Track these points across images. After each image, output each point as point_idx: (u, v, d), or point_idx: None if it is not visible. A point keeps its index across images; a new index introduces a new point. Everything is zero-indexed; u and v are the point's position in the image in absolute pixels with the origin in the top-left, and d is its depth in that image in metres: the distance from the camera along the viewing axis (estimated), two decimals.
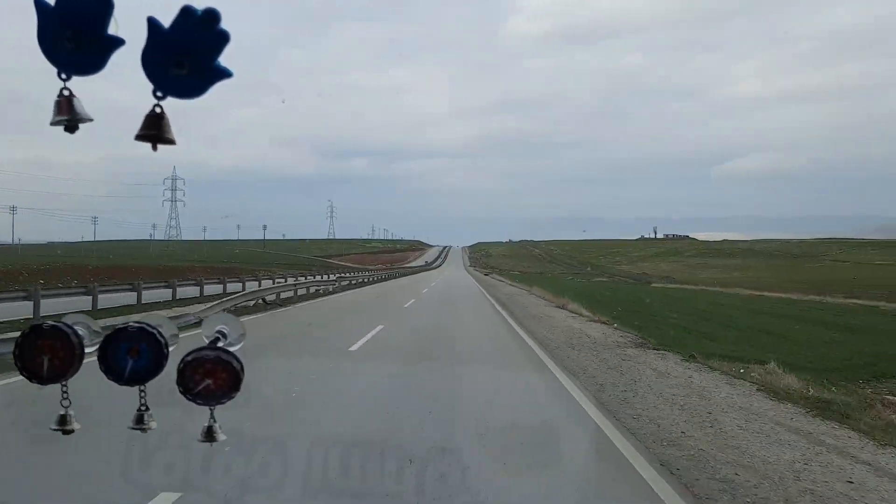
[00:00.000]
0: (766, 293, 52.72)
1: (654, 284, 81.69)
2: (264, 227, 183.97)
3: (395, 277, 62.73)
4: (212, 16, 0.81)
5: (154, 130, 0.85)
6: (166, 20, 0.82)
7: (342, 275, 45.52)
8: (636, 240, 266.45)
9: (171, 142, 0.87)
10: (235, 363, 1.03)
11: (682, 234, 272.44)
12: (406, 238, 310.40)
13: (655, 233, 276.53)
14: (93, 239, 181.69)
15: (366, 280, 48.17)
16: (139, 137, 0.86)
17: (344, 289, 36.52)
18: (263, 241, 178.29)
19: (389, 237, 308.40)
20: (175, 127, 0.87)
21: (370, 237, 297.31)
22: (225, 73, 0.84)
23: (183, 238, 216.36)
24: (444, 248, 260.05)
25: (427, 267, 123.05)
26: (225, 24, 0.82)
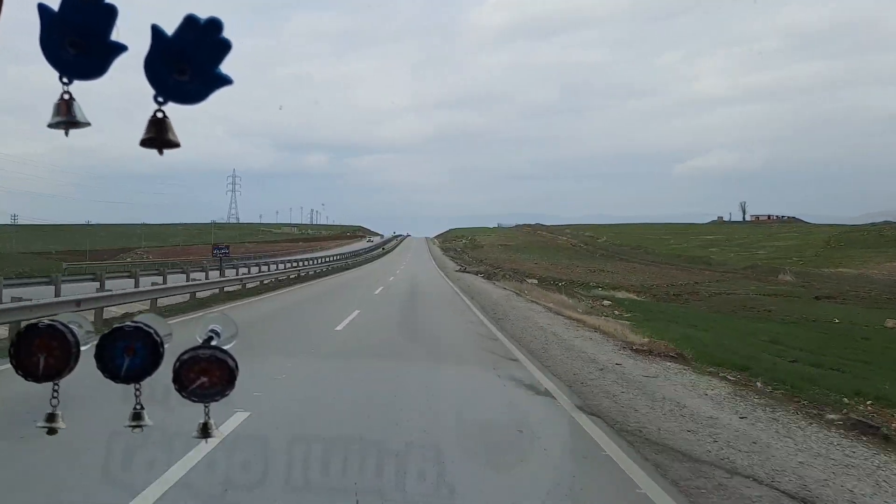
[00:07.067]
0: None
1: None
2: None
3: None
4: (214, 25, 0.82)
5: (157, 135, 0.86)
6: (168, 28, 0.82)
7: None
8: (709, 223, 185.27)
9: (175, 145, 0.87)
10: (230, 361, 1.04)
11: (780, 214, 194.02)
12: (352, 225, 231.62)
13: (744, 212, 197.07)
14: None
15: None
16: (143, 143, 0.86)
17: None
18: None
19: (331, 223, 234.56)
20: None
21: (310, 222, 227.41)
22: (225, 80, 0.85)
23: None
24: (397, 236, 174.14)
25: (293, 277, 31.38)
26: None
